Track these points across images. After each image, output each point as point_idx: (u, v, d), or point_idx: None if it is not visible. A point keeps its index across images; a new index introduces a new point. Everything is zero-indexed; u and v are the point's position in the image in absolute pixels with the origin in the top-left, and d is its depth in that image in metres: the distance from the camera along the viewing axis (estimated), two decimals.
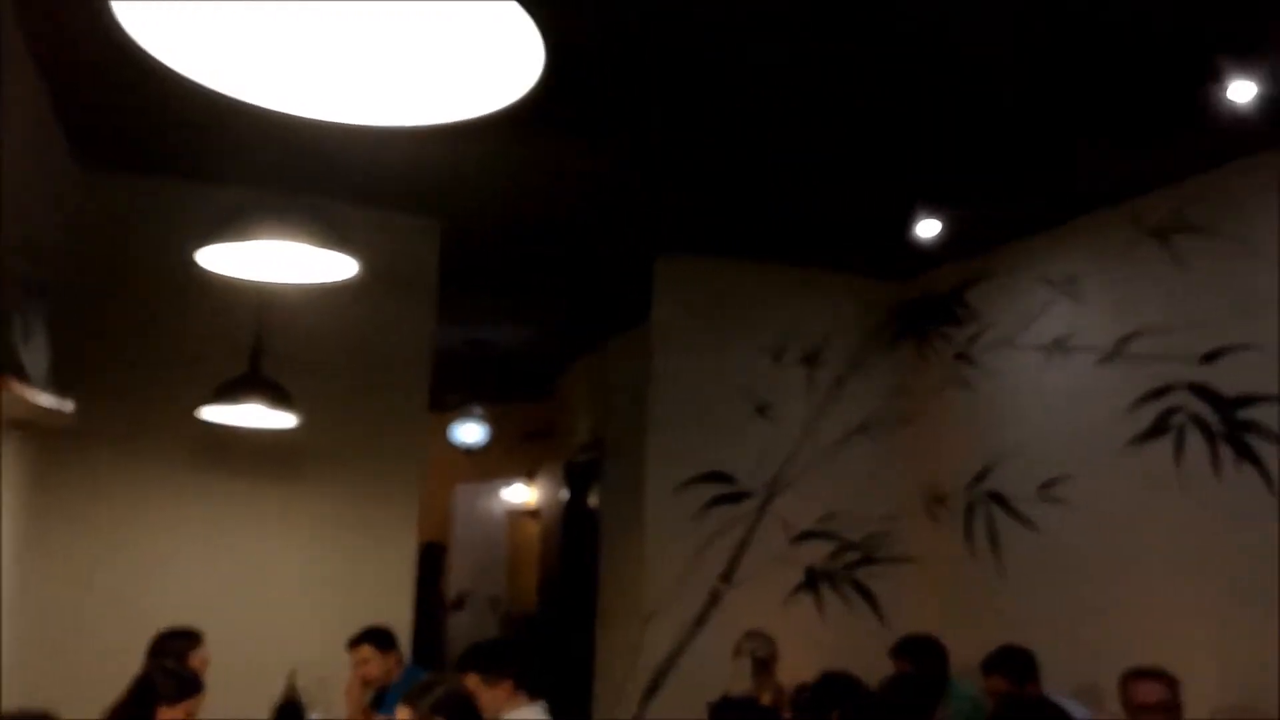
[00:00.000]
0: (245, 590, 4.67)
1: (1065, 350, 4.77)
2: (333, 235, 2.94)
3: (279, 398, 3.99)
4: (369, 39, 1.26)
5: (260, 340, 4.06)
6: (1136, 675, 3.64)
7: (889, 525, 5.64)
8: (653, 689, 5.30)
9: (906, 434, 5.71)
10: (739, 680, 5.04)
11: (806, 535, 5.56)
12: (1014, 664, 4.01)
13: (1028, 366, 4.98)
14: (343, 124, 1.44)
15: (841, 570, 5.58)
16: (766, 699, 4.88)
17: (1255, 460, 3.89)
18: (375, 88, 1.38)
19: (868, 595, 5.58)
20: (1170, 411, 4.23)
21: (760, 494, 5.53)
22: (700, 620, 5.36)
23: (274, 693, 4.17)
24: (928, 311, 5.66)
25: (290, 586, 4.75)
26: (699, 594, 5.38)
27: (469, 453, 9.45)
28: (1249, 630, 3.87)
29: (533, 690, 3.44)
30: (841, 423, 5.70)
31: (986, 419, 5.22)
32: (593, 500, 7.51)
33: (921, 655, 4.33)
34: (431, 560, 9.20)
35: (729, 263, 5.64)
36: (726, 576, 5.44)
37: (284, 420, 4.11)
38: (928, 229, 4.82)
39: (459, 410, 9.27)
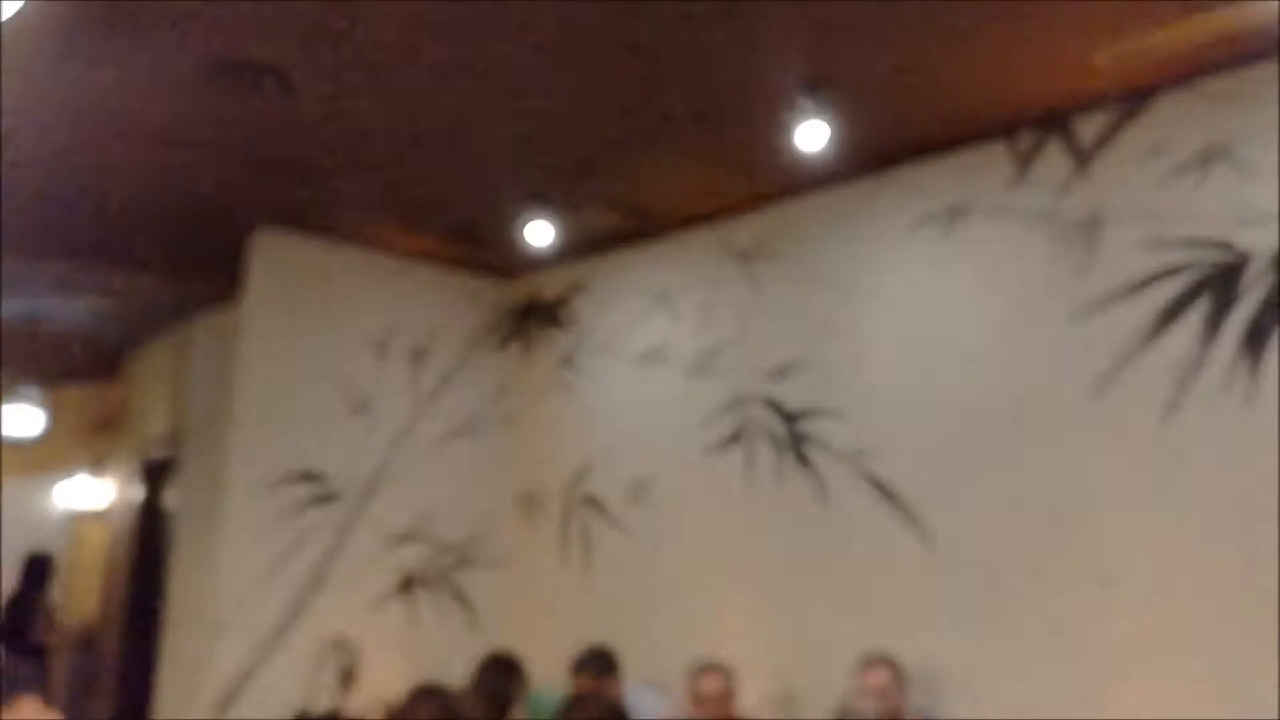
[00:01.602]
0: None
1: (658, 360, 5.02)
2: None
3: None
4: None
5: None
6: (699, 669, 3.91)
7: (488, 528, 5.64)
8: (225, 704, 4.89)
9: (509, 436, 5.74)
10: (321, 693, 4.80)
11: (403, 538, 5.41)
12: (596, 663, 4.14)
13: (625, 374, 5.19)
14: None
15: (437, 574, 5.49)
16: (350, 712, 4.69)
17: (810, 468, 4.32)
18: None
19: (463, 600, 5.54)
20: (744, 422, 4.59)
21: (355, 495, 5.30)
22: (282, 630, 5.03)
23: None
24: (535, 315, 5.74)
25: None
26: (282, 602, 5.05)
27: (19, 444, 8.26)
28: (799, 623, 4.29)
29: (76, 711, 3.03)
30: (445, 422, 5.62)
31: (585, 424, 5.38)
32: (171, 500, 6.84)
33: (496, 670, 4.36)
34: (36, 576, 7.92)
35: (336, 245, 5.35)
36: (314, 583, 5.16)
37: None
38: (537, 233, 4.86)
39: (6, 393, 8.07)
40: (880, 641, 3.80)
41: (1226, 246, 3.35)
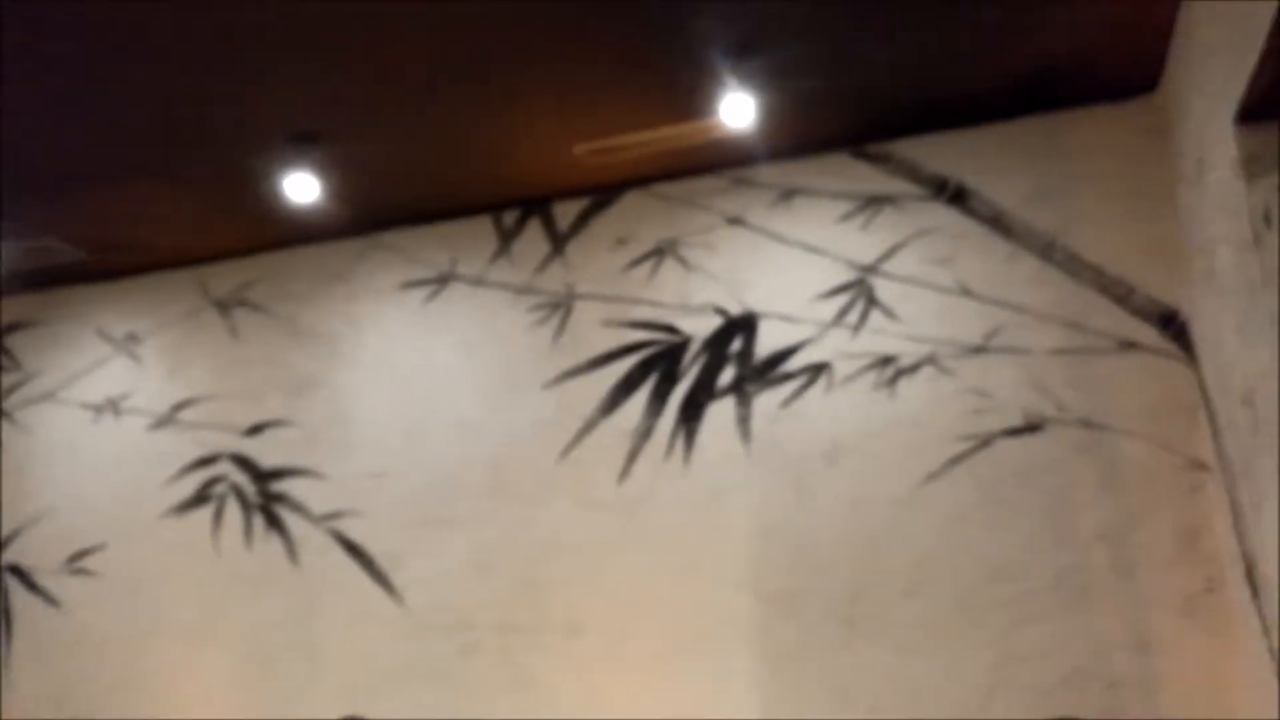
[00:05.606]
0: None
1: (117, 411, 4.53)
2: None
3: None
4: None
5: None
6: None
7: None
8: None
9: None
10: None
11: None
12: None
13: (73, 426, 4.60)
14: None
15: None
16: None
17: (282, 531, 4.14)
18: None
19: None
20: (213, 481, 4.29)
21: None
22: None
23: None
24: None
25: None
26: None
27: None
28: (270, 689, 4.05)
29: None
30: None
31: (18, 483, 4.65)
32: None
33: None
34: None
35: None
36: None
37: None
38: None
39: None
40: (353, 702, 3.72)
41: (672, 330, 3.82)
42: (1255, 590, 2.80)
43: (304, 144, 3.45)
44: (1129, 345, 3.38)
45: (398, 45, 2.98)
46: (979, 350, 3.50)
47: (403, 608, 3.95)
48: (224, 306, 4.43)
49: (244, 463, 4.25)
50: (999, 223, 3.55)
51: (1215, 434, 3.12)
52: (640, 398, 3.81)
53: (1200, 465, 3.27)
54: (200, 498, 4.30)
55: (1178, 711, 3.17)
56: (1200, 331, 3.20)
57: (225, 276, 4.45)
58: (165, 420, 4.43)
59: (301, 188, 3.57)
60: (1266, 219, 2.41)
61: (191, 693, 4.15)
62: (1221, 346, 2.91)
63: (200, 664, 4.17)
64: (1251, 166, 2.44)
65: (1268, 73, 2.19)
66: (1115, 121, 3.46)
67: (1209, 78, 2.68)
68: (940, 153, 3.63)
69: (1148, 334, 3.37)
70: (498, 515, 3.92)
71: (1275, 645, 2.64)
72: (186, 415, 4.40)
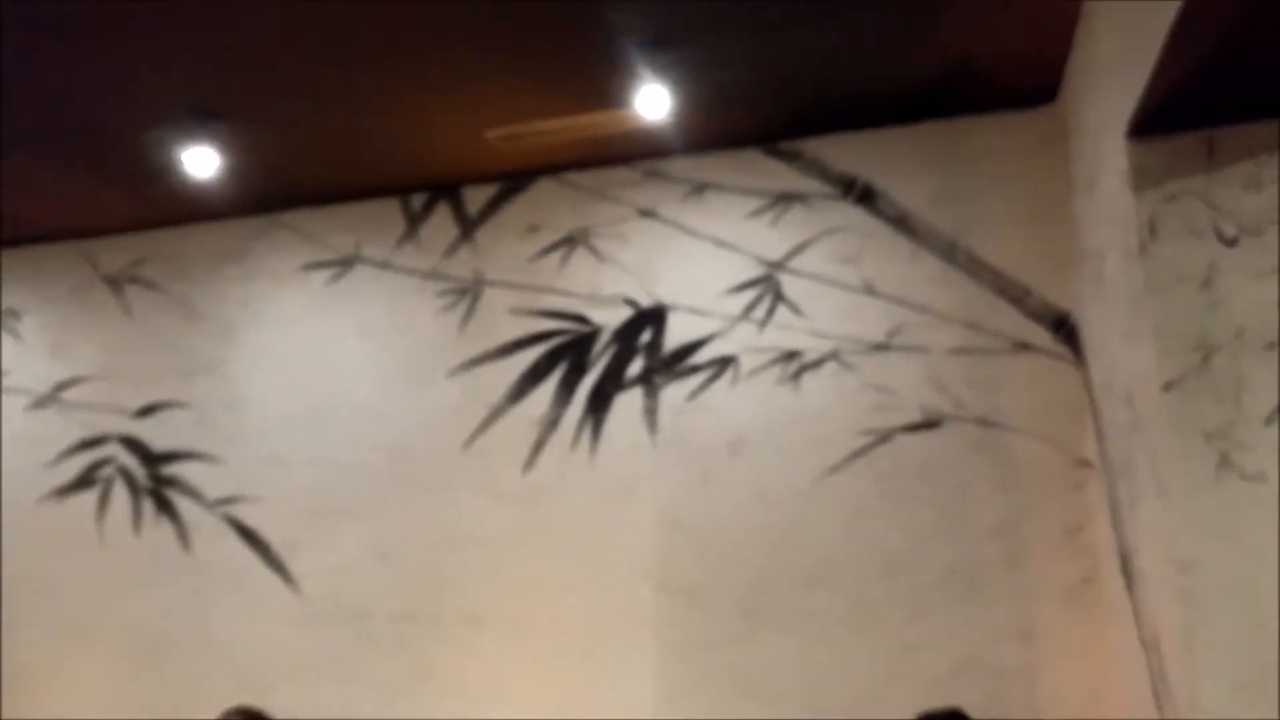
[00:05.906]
0: None
1: None
2: None
3: None
4: None
5: None
6: None
7: None
8: None
9: None
10: None
11: None
12: None
13: None
14: None
15: None
16: None
17: (174, 516, 4.02)
18: None
19: None
20: (100, 464, 4.13)
21: None
22: None
23: None
24: None
25: None
26: None
27: None
28: (161, 679, 3.93)
29: None
30: None
31: None
32: None
33: None
34: None
35: None
36: None
37: None
38: None
39: None
40: (248, 695, 3.62)
41: (582, 320, 3.81)
42: (1130, 582, 2.94)
43: (205, 118, 3.33)
44: (1023, 346, 3.50)
45: (306, 19, 2.90)
46: (881, 348, 3.59)
47: (299, 596, 3.87)
48: (115, 283, 4.27)
49: (133, 445, 4.11)
50: (904, 223, 3.64)
51: (1099, 433, 3.25)
52: (548, 387, 3.80)
53: (1085, 463, 3.41)
54: (84, 481, 4.14)
55: (1055, 696, 3.31)
56: (1089, 335, 3.33)
57: (117, 252, 4.28)
58: (46, 400, 4.25)
59: (201, 162, 3.45)
60: (1152, 230, 2.52)
61: (73, 688, 3.99)
62: (1107, 349, 3.04)
63: (83, 657, 4.01)
64: (1140, 179, 2.54)
65: (1159, 88, 2.29)
66: (1018, 128, 3.58)
67: (1104, 91, 2.78)
68: (849, 152, 3.70)
69: (1041, 336, 3.50)
70: (399, 504, 3.86)
71: (1146, 634, 2.77)
72: (71, 395, 4.22)
